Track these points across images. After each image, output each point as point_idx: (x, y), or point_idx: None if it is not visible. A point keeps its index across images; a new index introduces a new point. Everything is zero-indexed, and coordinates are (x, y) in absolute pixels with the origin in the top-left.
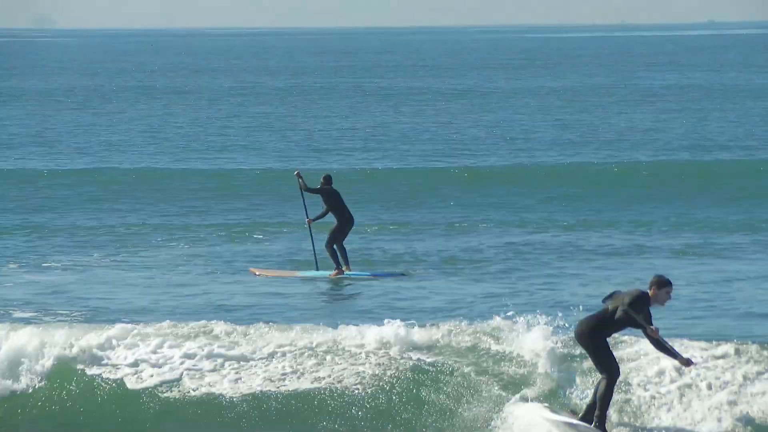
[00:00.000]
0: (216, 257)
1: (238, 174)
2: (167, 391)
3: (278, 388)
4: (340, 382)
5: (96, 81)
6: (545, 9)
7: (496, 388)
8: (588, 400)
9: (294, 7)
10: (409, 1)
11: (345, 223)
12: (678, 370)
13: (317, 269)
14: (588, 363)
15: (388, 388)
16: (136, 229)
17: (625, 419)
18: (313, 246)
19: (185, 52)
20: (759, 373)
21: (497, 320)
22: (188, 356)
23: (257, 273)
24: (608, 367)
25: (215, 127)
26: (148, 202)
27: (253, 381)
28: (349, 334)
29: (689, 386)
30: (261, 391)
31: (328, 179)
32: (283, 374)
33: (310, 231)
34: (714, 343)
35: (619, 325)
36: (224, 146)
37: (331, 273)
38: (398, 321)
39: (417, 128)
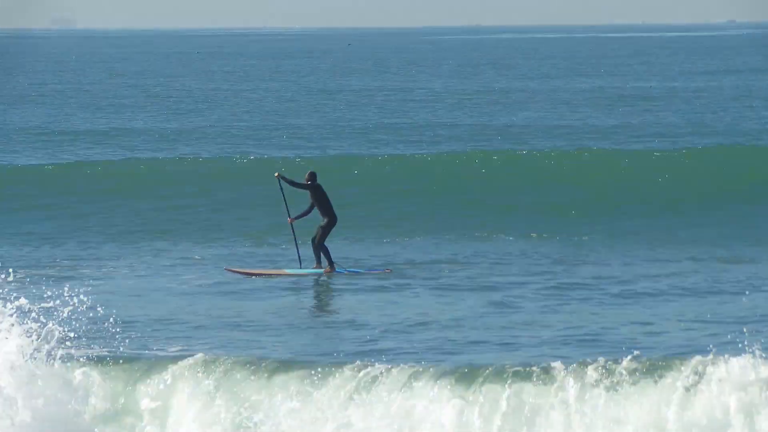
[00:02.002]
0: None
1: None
2: None
3: None
4: None
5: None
6: (563, 8)
7: None
8: None
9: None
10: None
11: (334, 220)
12: None
13: (301, 267)
14: None
15: None
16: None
17: None
18: (297, 244)
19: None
20: None
21: None
22: None
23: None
24: None
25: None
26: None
27: None
28: None
29: None
30: None
31: (313, 176)
32: None
33: (293, 230)
34: None
35: None
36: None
37: (324, 269)
38: None
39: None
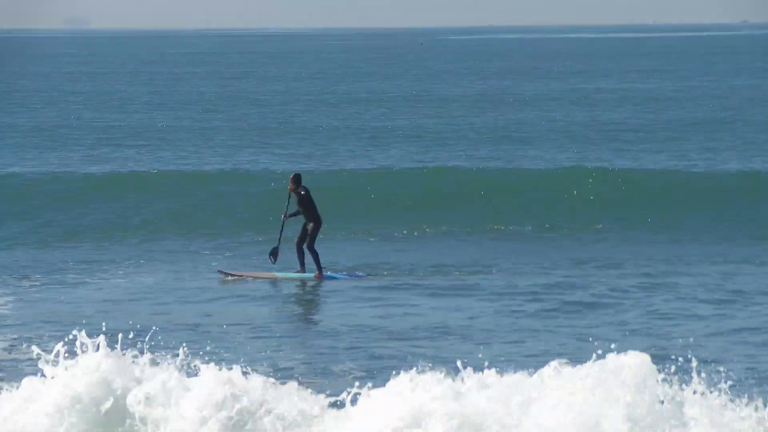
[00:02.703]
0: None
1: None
2: None
3: None
4: None
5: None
6: (574, 8)
7: None
8: None
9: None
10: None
11: (319, 223)
12: None
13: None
14: None
15: None
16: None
17: None
18: (279, 241)
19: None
20: None
21: None
22: None
23: (231, 274)
24: None
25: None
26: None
27: None
28: None
29: None
30: None
31: (298, 179)
32: None
33: (282, 227)
34: None
35: None
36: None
37: (314, 274)
38: None
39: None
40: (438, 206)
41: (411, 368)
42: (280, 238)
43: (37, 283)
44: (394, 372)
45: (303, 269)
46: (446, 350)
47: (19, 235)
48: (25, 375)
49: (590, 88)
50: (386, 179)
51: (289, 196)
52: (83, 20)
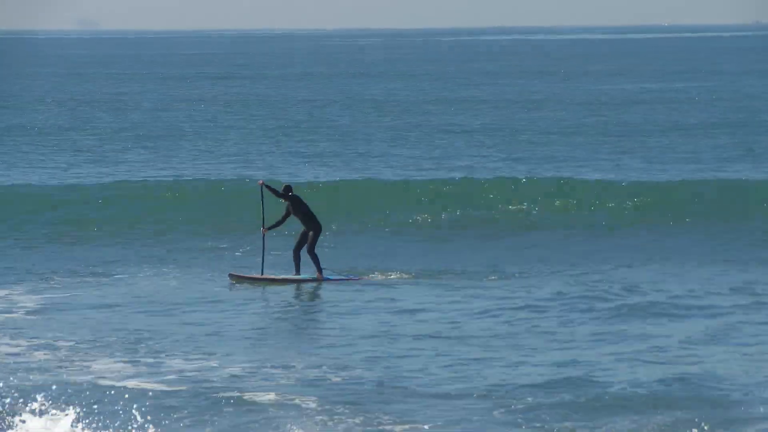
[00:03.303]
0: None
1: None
2: None
3: None
4: None
5: None
6: (586, 11)
7: None
8: None
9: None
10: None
11: (319, 228)
12: None
13: (262, 273)
14: None
15: None
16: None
17: None
18: (263, 255)
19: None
20: None
21: None
22: None
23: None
24: None
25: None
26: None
27: None
28: None
29: None
30: None
31: (288, 188)
32: None
33: (264, 241)
34: None
35: None
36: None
37: (315, 276)
38: None
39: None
40: (446, 210)
41: None
42: (263, 255)
43: (54, 286)
44: None
45: (298, 272)
46: (451, 353)
47: (32, 237)
48: (32, 381)
49: (632, 89)
50: (398, 182)
51: (262, 208)
52: (93, 21)
